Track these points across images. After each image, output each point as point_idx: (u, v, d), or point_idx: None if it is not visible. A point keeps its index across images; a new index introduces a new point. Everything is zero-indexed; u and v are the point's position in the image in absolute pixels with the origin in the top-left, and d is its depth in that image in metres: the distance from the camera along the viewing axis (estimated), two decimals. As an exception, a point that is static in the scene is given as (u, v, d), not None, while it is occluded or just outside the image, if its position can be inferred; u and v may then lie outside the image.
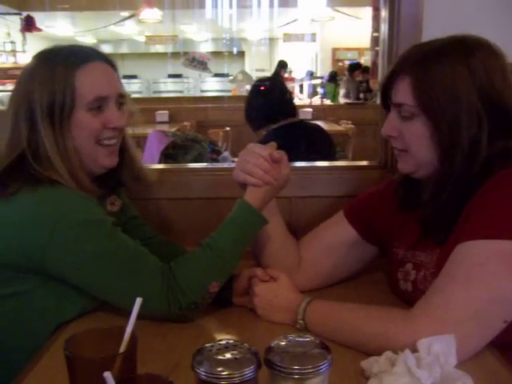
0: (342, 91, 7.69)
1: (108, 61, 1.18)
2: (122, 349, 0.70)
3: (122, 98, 1.17)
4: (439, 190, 1.03)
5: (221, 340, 0.72)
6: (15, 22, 8.54)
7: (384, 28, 1.55)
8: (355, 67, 7.91)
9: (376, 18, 6.03)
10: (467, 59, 0.99)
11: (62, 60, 1.12)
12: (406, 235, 1.16)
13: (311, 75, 8.51)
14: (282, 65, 8.24)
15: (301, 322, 1.03)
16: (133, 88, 14.66)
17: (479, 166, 0.98)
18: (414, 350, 0.84)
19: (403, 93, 1.03)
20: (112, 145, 1.16)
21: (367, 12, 7.46)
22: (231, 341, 0.71)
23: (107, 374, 0.58)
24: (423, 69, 1.01)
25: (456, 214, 1.00)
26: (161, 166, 2.00)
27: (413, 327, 0.90)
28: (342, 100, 7.41)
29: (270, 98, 2.50)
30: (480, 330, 0.91)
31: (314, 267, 1.25)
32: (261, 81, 2.70)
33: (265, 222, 1.12)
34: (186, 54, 7.35)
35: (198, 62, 4.68)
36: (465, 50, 1.01)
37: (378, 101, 1.67)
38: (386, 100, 1.10)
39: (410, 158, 1.07)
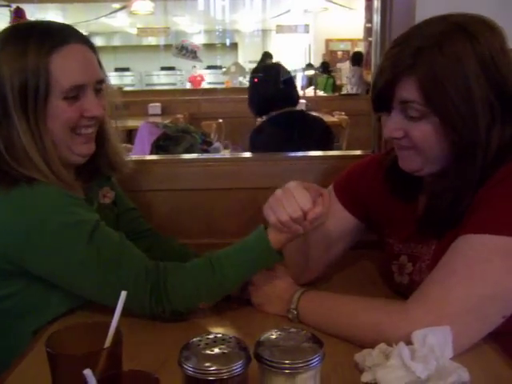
0: (348, 87, 7.46)
1: (87, 42, 1.10)
2: (107, 344, 0.68)
3: (100, 83, 1.10)
4: (446, 184, 0.97)
5: (209, 334, 0.69)
6: (5, 14, 8.43)
7: (376, 18, 1.53)
8: (359, 58, 7.33)
9: (369, 9, 6.02)
10: (474, 48, 0.92)
11: (36, 40, 1.02)
12: (400, 226, 1.13)
13: (308, 66, 8.43)
14: (268, 55, 8.13)
15: (293, 311, 1.02)
16: (125, 81, 14.60)
17: (492, 157, 0.93)
18: (409, 343, 0.82)
19: (410, 91, 0.94)
20: (89, 133, 1.09)
21: (360, 3, 7.44)
22: (219, 335, 0.69)
23: (87, 372, 0.55)
24: (429, 65, 0.92)
25: (463, 208, 0.95)
26: (150, 157, 1.97)
27: (409, 319, 0.88)
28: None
29: (266, 86, 2.50)
30: (477, 325, 0.89)
31: (315, 265, 1.21)
32: (258, 69, 2.70)
33: (280, 259, 1.03)
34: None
35: (188, 51, 4.63)
36: (469, 38, 0.92)
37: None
38: (383, 100, 1.00)
39: (416, 156, 0.99)
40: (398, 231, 1.13)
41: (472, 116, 0.91)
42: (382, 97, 0.99)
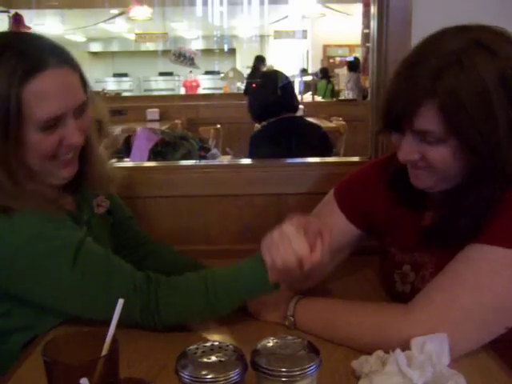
0: (345, 93, 7.49)
1: (68, 62, 0.99)
2: (104, 352, 0.68)
3: (82, 105, 1.00)
4: (462, 202, 0.93)
5: (206, 342, 0.69)
6: (3, 19, 8.45)
7: (373, 24, 1.54)
8: (356, 64, 7.41)
9: (366, 15, 6.03)
10: (494, 64, 0.86)
11: (9, 62, 0.91)
12: (403, 236, 1.09)
13: (303, 71, 8.47)
14: (261, 59, 8.12)
15: (290, 318, 1.01)
16: (123, 86, 14.64)
17: (509, 174, 0.90)
18: (406, 348, 0.82)
19: (430, 120, 0.87)
20: (69, 158, 1.02)
21: (358, 8, 7.46)
22: (216, 343, 0.69)
23: (84, 381, 0.55)
24: (450, 88, 0.85)
25: (477, 224, 0.91)
26: (148, 164, 1.98)
27: (411, 320, 0.87)
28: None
29: (263, 94, 2.51)
30: (479, 334, 0.89)
31: (315, 275, 1.13)
32: (253, 75, 2.72)
33: (277, 289, 0.98)
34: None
35: (185, 58, 4.65)
36: (489, 54, 0.86)
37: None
38: (395, 120, 0.93)
39: (431, 175, 0.94)
40: (402, 241, 1.10)
41: (493, 136, 0.87)
42: (397, 122, 0.93)
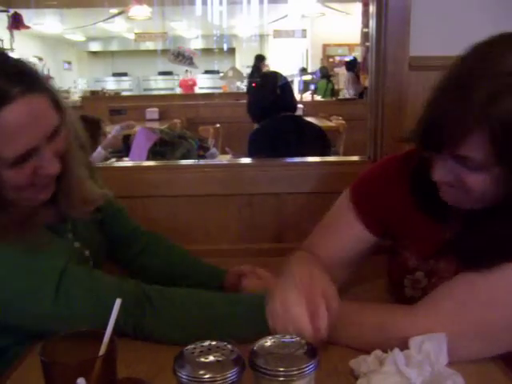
0: (344, 92, 7.50)
1: (35, 86, 0.87)
2: (101, 352, 0.68)
3: (56, 129, 0.91)
4: (494, 224, 0.89)
5: (203, 342, 0.69)
6: (2, 19, 8.44)
7: (372, 23, 1.54)
8: (353, 64, 7.46)
9: (366, 14, 6.00)
10: None
11: None
12: (422, 243, 1.03)
13: (303, 71, 8.47)
14: (261, 58, 8.11)
15: None
16: (123, 86, 14.63)
17: None
18: (404, 348, 0.83)
19: (476, 147, 0.80)
20: (46, 182, 0.95)
21: (357, 8, 7.46)
22: (214, 342, 0.69)
23: (81, 380, 0.55)
24: (505, 117, 0.77)
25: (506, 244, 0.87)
26: (147, 163, 1.98)
27: (413, 324, 0.86)
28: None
29: (263, 93, 2.51)
30: (484, 349, 0.87)
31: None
32: (258, 76, 2.73)
33: None
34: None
35: (184, 57, 4.63)
36: None
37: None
38: (437, 144, 0.85)
39: (464, 195, 0.88)
40: (419, 248, 1.04)
41: None
42: (438, 146, 0.86)
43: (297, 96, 7.46)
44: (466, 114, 0.79)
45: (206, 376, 0.63)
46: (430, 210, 1.00)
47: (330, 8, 9.17)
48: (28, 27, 8.47)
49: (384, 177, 1.10)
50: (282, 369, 0.65)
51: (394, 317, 0.90)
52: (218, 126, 4.73)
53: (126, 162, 2.42)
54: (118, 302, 0.70)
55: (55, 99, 0.92)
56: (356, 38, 7.54)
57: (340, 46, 10.63)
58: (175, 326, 0.95)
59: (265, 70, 7.26)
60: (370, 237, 1.09)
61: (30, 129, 0.86)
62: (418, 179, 1.00)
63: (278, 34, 9.92)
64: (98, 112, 4.98)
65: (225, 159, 2.79)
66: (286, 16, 9.70)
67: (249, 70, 8.30)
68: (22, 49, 12.25)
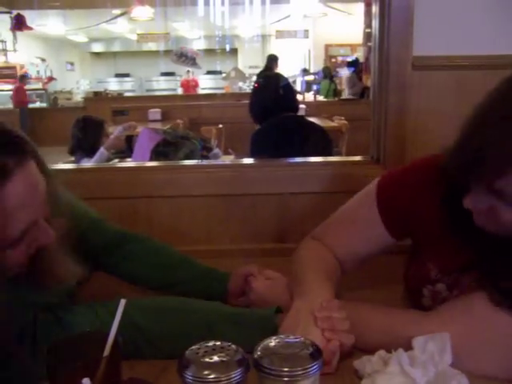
0: (346, 92, 7.50)
1: (28, 154, 0.77)
2: (106, 353, 0.68)
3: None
4: None
5: (208, 342, 0.69)
6: (5, 20, 8.47)
7: (375, 23, 1.54)
8: (355, 65, 7.51)
9: (368, 14, 6.03)
10: None
11: None
12: (447, 257, 0.99)
13: (304, 71, 8.48)
14: (274, 58, 8.10)
15: None
16: (125, 86, 14.67)
17: None
18: (408, 348, 0.82)
19: None
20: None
21: (359, 8, 7.47)
22: (218, 343, 0.69)
23: (86, 381, 0.55)
24: None
25: None
26: (150, 164, 1.98)
27: (423, 331, 0.83)
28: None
29: (265, 94, 2.52)
30: (493, 368, 0.83)
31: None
32: (261, 77, 2.73)
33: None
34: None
35: (187, 58, 4.65)
36: None
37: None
38: (476, 176, 0.81)
39: (497, 225, 0.84)
40: (444, 262, 0.99)
41: None
42: (477, 178, 0.82)
43: (299, 96, 7.50)
44: (510, 149, 0.75)
45: (211, 376, 0.62)
46: (460, 225, 0.94)
47: (332, 8, 9.19)
48: (31, 28, 8.50)
49: (415, 185, 1.03)
50: (286, 369, 0.65)
51: (405, 322, 0.88)
52: (220, 126, 4.74)
53: (129, 163, 2.42)
54: (123, 302, 0.70)
55: (41, 162, 0.82)
56: (358, 38, 7.56)
57: (342, 46, 10.64)
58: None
59: (275, 70, 7.25)
60: (390, 238, 1.06)
61: (30, 201, 0.77)
62: (450, 201, 0.94)
63: (280, 34, 9.94)
64: (101, 113, 4.98)
65: (228, 160, 2.79)
66: (289, 16, 9.72)
67: (251, 71, 8.31)
68: (25, 50, 12.32)
